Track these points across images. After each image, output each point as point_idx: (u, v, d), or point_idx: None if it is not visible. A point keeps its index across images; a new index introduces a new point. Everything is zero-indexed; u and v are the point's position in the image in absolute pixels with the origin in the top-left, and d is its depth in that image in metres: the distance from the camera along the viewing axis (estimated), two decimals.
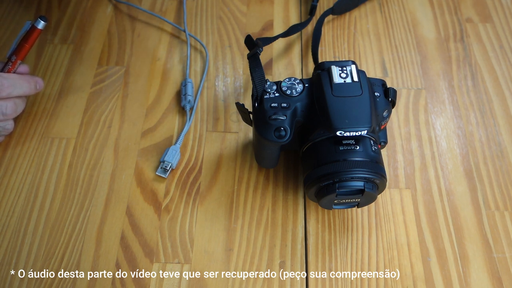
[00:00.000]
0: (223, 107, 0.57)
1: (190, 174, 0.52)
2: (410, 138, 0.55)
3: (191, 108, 0.57)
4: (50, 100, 0.57)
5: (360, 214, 0.50)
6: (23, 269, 0.46)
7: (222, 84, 0.59)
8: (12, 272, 0.46)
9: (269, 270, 0.46)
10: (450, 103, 0.58)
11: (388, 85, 0.46)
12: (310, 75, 0.56)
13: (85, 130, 0.55)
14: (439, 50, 0.62)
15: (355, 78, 0.42)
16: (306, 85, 0.45)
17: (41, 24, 0.50)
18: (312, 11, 0.64)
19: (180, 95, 0.57)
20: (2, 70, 0.51)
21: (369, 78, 0.44)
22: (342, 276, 0.46)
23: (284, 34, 0.58)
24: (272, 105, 0.44)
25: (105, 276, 0.46)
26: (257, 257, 0.47)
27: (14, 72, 0.51)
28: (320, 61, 0.60)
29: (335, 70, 0.43)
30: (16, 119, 0.55)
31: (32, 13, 0.65)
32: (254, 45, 0.47)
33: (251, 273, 0.46)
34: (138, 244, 0.48)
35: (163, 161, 0.52)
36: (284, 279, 0.46)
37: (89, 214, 0.49)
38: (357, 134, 0.41)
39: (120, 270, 0.46)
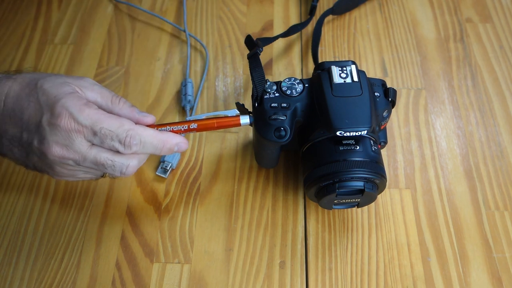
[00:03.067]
0: (223, 107, 0.57)
1: (190, 174, 0.52)
2: (410, 138, 0.55)
3: (191, 108, 0.57)
4: None
5: (360, 214, 0.50)
6: (23, 269, 0.46)
7: (222, 84, 0.59)
8: (12, 272, 0.46)
9: (269, 270, 0.46)
10: (450, 103, 0.58)
11: (388, 85, 0.46)
12: (310, 75, 0.56)
13: None
14: (439, 50, 0.62)
15: (355, 78, 0.43)
16: (306, 85, 0.45)
17: (245, 121, 0.45)
18: (312, 11, 0.64)
19: (180, 95, 0.57)
20: (169, 127, 0.43)
21: (369, 78, 0.44)
22: (342, 276, 0.46)
23: (284, 34, 0.58)
24: (272, 105, 0.44)
25: (105, 276, 0.46)
26: (257, 257, 0.47)
27: (181, 134, 0.44)
28: (320, 61, 0.60)
29: (335, 70, 0.43)
30: None
31: (32, 13, 0.65)
32: (254, 45, 0.47)
33: (251, 273, 0.46)
34: (138, 244, 0.48)
35: (163, 161, 0.52)
36: (284, 279, 0.46)
37: (89, 214, 0.50)
38: (357, 134, 0.41)
39: (120, 270, 0.46)
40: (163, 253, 0.47)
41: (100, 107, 0.41)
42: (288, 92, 0.44)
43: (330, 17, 0.65)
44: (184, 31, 0.63)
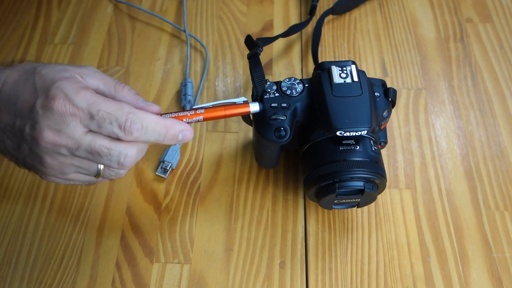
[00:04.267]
0: None
1: (190, 174, 0.52)
2: (410, 138, 0.55)
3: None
4: None
5: (360, 214, 0.50)
6: (23, 269, 0.46)
7: (222, 84, 0.59)
8: (12, 272, 0.46)
9: (269, 270, 0.46)
10: (450, 103, 0.58)
11: (388, 85, 0.46)
12: (310, 75, 0.56)
13: None
14: (439, 50, 0.62)
15: (355, 78, 0.43)
16: (306, 85, 0.45)
17: (254, 108, 0.43)
18: (312, 11, 0.64)
19: (180, 95, 0.57)
20: (173, 113, 0.41)
21: (369, 78, 0.44)
22: (342, 276, 0.46)
23: (284, 34, 0.58)
24: (272, 105, 0.44)
25: (105, 276, 0.46)
26: (257, 257, 0.47)
27: (188, 122, 0.41)
28: (320, 61, 0.60)
29: (335, 70, 0.43)
30: None
31: (32, 13, 0.65)
32: (254, 45, 0.47)
33: (251, 273, 0.46)
34: (138, 244, 0.48)
35: (163, 161, 0.52)
36: (284, 279, 0.46)
37: (89, 214, 0.49)
38: (357, 134, 0.41)
39: (120, 270, 0.46)
40: (163, 253, 0.47)
41: (102, 94, 0.38)
42: (288, 92, 0.44)
43: (330, 17, 0.65)
44: (184, 31, 0.63)
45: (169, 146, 0.53)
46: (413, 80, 0.60)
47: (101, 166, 0.39)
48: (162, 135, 0.38)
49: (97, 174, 0.39)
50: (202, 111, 0.41)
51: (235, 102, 0.42)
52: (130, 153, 0.37)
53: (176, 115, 0.41)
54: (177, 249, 0.48)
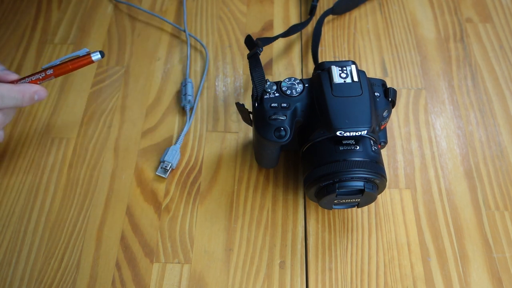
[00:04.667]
0: (223, 107, 0.57)
1: (190, 174, 0.52)
2: (410, 138, 0.55)
3: (191, 108, 0.57)
4: (50, 100, 0.57)
5: (360, 214, 0.50)
6: (23, 269, 0.46)
7: (222, 84, 0.59)
8: (12, 272, 0.46)
9: (269, 270, 0.46)
10: (450, 103, 0.58)
11: (388, 85, 0.46)
12: (310, 75, 0.56)
13: (85, 130, 0.55)
14: (439, 50, 0.62)
15: (355, 78, 0.42)
16: (306, 85, 0.45)
17: (96, 57, 0.46)
18: (312, 11, 0.64)
19: (180, 95, 0.57)
20: (27, 78, 0.46)
21: (369, 78, 0.44)
22: (342, 276, 0.46)
23: (284, 34, 0.58)
24: (272, 105, 0.44)
25: (105, 276, 0.46)
26: (257, 257, 0.47)
27: (40, 84, 0.47)
28: (320, 61, 0.60)
29: (335, 70, 0.43)
30: (16, 119, 0.55)
31: (32, 13, 0.65)
32: (254, 45, 0.47)
33: (251, 273, 0.46)
34: (138, 244, 0.48)
35: (163, 161, 0.52)
36: (284, 279, 0.46)
37: (89, 214, 0.50)
38: (357, 134, 0.41)
39: (120, 270, 0.46)
40: (163, 253, 0.47)
41: None
42: (288, 92, 0.44)
43: (330, 17, 0.65)
44: (184, 31, 0.63)
45: (169, 146, 0.53)
46: (413, 80, 0.60)
47: None
48: (19, 99, 0.45)
49: None
50: (51, 71, 0.46)
51: (79, 55, 0.46)
52: None
53: (30, 79, 0.46)
54: (177, 249, 0.48)
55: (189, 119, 0.55)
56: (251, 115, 0.47)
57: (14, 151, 0.53)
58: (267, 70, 0.60)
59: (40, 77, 0.46)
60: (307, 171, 0.45)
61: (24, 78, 0.46)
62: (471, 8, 0.67)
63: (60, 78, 0.59)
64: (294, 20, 0.65)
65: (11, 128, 0.55)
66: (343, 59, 0.55)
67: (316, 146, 0.44)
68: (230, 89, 0.59)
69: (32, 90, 0.45)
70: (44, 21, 0.65)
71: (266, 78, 0.45)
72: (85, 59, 0.46)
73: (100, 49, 0.47)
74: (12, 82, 0.46)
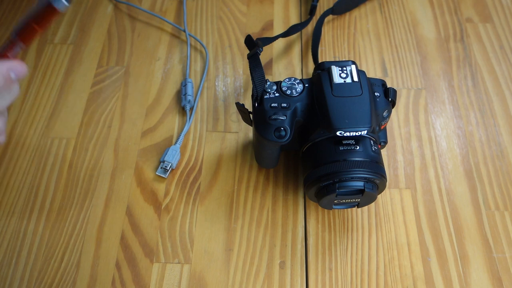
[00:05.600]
0: (223, 107, 0.57)
1: (190, 174, 0.52)
2: (410, 138, 0.55)
3: (191, 108, 0.57)
4: (50, 100, 0.57)
5: (360, 214, 0.50)
6: (23, 269, 0.46)
7: (222, 84, 0.59)
8: (12, 272, 0.46)
9: (269, 270, 0.46)
10: (450, 103, 0.58)
11: (388, 85, 0.46)
12: (310, 75, 0.56)
13: (85, 130, 0.55)
14: (439, 50, 0.62)
15: (355, 78, 0.42)
16: (306, 85, 0.45)
17: (61, 4, 0.36)
18: (312, 11, 0.64)
19: (180, 95, 0.57)
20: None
21: (369, 78, 0.44)
22: (342, 276, 0.46)
23: (284, 34, 0.58)
24: (272, 105, 0.44)
25: (105, 276, 0.46)
26: (257, 257, 0.47)
27: (10, 56, 0.37)
28: (320, 61, 0.60)
29: (335, 70, 0.43)
30: (15, 120, 0.55)
31: None
32: (254, 45, 0.47)
33: (251, 273, 0.46)
34: (138, 244, 0.48)
35: (163, 161, 0.52)
36: (284, 279, 0.46)
37: (89, 214, 0.50)
38: (357, 134, 0.41)
39: (120, 270, 0.46)
40: (163, 253, 0.47)
41: None
42: (288, 92, 0.44)
43: (330, 17, 0.65)
44: (184, 31, 0.63)
45: (169, 146, 0.53)
46: (413, 80, 0.60)
47: None
48: None
49: None
50: (15, 35, 0.37)
51: (40, 8, 0.37)
52: None
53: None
54: (177, 249, 0.48)
55: (189, 119, 0.55)
56: (251, 115, 0.47)
57: (14, 151, 0.53)
58: (267, 70, 0.60)
59: (7, 48, 0.37)
60: (307, 171, 0.45)
61: None
62: (471, 8, 0.67)
63: (60, 78, 0.59)
64: (294, 20, 0.65)
65: (11, 128, 0.55)
66: (343, 59, 0.55)
67: (316, 146, 0.44)
68: (230, 89, 0.59)
69: (4, 69, 0.36)
70: None
71: (266, 78, 0.45)
72: (47, 11, 0.37)
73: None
74: None
